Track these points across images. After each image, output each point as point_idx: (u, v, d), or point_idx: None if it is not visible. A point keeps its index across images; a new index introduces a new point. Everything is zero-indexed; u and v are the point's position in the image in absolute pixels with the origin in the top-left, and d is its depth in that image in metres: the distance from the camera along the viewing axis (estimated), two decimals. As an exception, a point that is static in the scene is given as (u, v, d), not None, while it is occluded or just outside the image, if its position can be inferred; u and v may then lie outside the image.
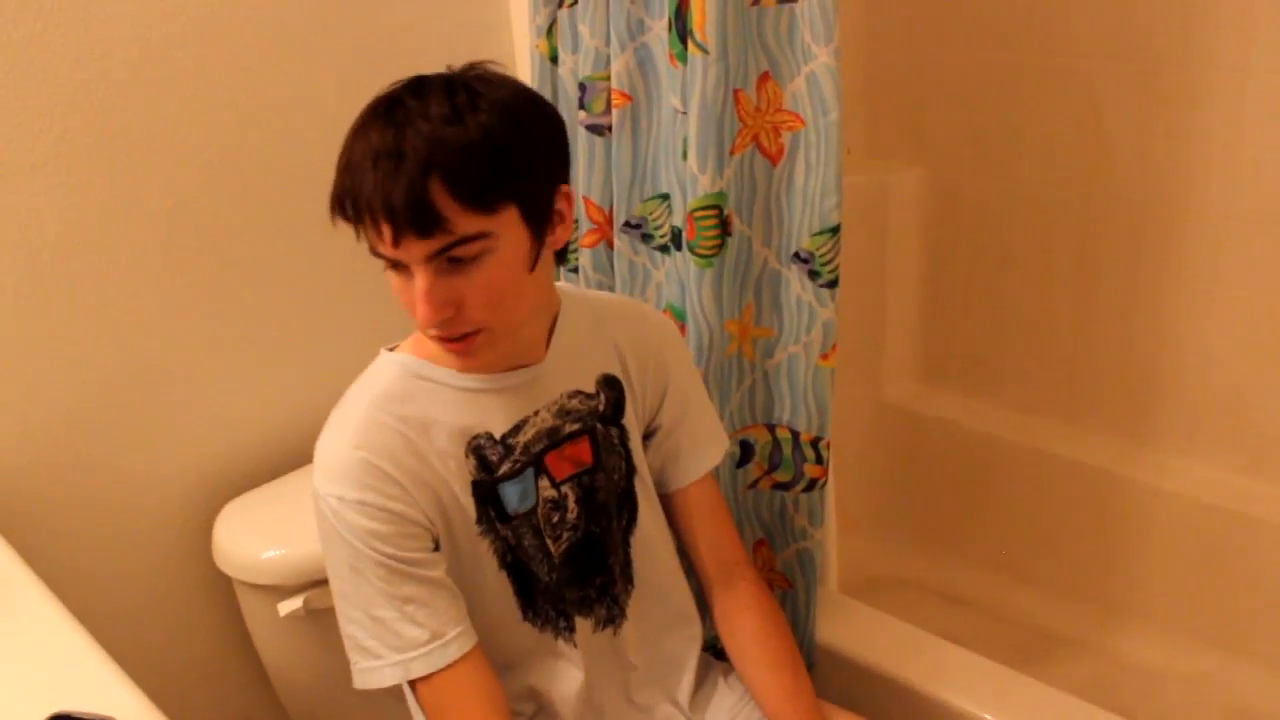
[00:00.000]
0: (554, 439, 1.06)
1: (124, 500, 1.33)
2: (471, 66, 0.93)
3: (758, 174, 1.28)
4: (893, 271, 2.06)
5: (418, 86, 0.89)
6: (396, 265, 0.90)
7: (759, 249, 1.32)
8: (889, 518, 2.12)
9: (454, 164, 0.85)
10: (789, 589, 1.45)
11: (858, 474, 1.93)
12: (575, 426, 1.07)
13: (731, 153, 1.26)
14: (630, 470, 1.13)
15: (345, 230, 0.90)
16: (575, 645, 1.09)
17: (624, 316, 1.15)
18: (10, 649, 0.89)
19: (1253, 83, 1.57)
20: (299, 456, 1.45)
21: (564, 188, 0.97)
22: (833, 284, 1.28)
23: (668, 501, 1.20)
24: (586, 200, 1.44)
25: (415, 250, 0.87)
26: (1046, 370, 1.95)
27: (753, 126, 1.26)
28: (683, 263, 1.31)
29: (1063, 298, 1.88)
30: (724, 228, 1.27)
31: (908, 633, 1.45)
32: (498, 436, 1.02)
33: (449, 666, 0.97)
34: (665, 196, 1.37)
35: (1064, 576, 1.94)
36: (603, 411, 1.09)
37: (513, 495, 1.04)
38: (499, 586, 1.05)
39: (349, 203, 0.88)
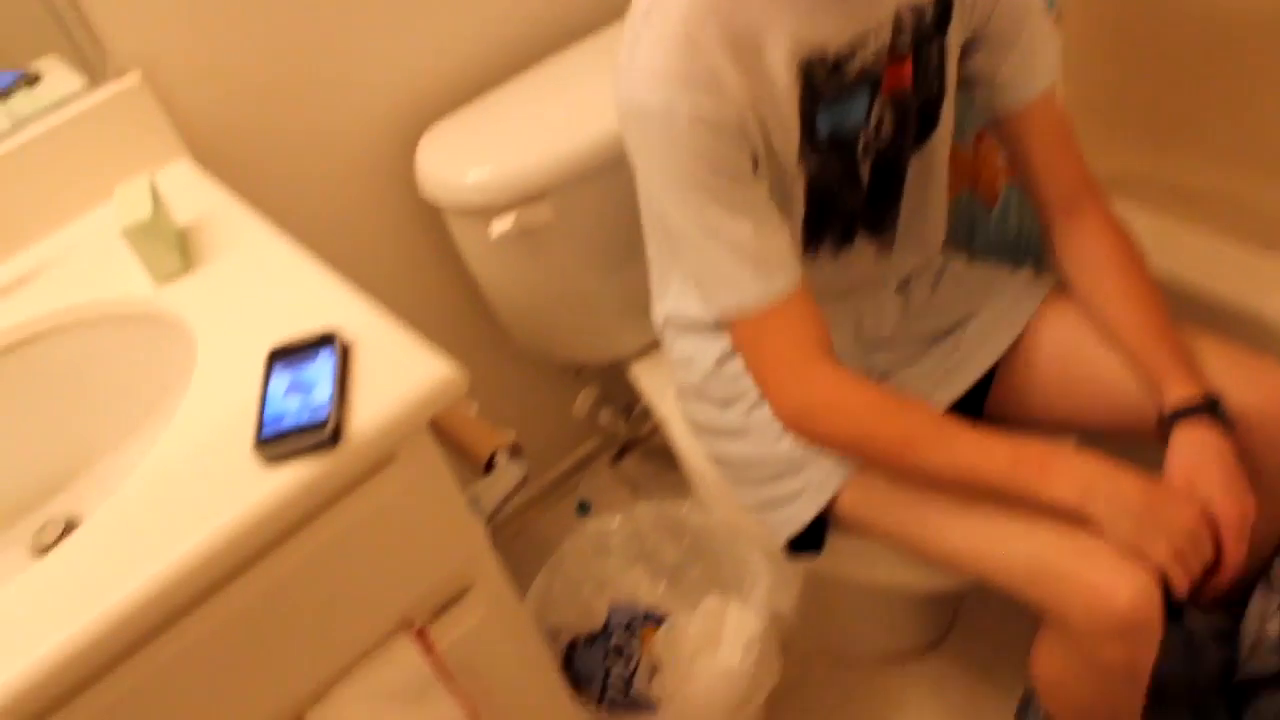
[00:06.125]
0: (892, 57, 0.94)
1: (328, 138, 1.31)
2: None
3: None
4: None
5: None
6: None
7: None
8: (1120, 108, 1.90)
9: None
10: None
11: (1082, 58, 1.71)
12: (906, 43, 0.94)
13: None
14: (942, 91, 1.00)
15: None
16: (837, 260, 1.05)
17: None
18: (250, 278, 0.92)
19: None
20: (493, 75, 1.39)
21: None
22: None
23: (1001, 125, 1.07)
24: None
25: None
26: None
27: None
28: None
29: None
30: None
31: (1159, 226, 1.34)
32: (830, 54, 0.90)
33: (775, 302, 0.90)
34: None
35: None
36: (929, 22, 0.95)
37: (832, 119, 0.94)
38: (793, 213, 0.98)
39: None
